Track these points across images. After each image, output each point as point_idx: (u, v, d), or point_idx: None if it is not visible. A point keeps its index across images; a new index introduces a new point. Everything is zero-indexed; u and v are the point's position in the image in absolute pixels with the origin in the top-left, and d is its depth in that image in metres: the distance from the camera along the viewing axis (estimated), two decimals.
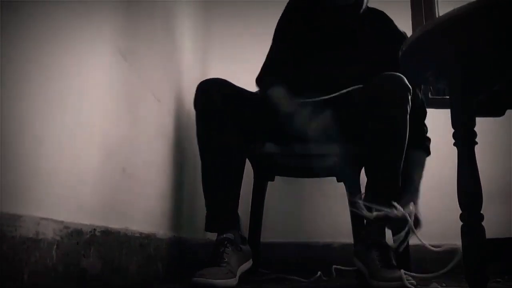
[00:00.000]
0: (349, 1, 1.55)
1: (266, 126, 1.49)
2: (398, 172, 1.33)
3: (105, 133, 1.03)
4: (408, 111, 1.32)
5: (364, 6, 1.58)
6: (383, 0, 2.15)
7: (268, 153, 1.55)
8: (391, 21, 1.64)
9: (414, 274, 1.20)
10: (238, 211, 1.42)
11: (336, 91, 1.46)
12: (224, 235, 1.32)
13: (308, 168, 1.69)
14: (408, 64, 1.07)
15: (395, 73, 1.32)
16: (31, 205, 0.74)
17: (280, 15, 1.67)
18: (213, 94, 1.37)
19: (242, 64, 2.03)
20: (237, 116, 1.39)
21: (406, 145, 1.33)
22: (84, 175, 0.93)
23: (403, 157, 1.34)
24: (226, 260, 1.26)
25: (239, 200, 1.43)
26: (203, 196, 1.41)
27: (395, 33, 1.60)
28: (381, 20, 1.63)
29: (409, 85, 1.31)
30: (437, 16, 2.14)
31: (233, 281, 1.25)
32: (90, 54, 0.96)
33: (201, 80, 1.43)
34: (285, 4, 1.67)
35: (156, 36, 1.42)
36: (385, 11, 1.67)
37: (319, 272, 1.50)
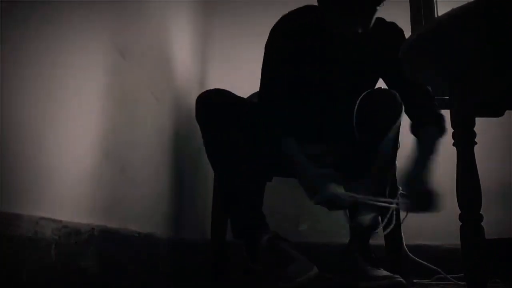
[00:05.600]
0: (357, 30, 1.38)
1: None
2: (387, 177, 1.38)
3: (103, 133, 1.03)
4: (399, 125, 1.36)
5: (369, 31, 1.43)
6: None
7: (266, 154, 1.54)
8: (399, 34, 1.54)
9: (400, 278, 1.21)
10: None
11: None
12: (272, 235, 1.30)
13: None
14: (407, 64, 1.07)
15: (387, 89, 1.37)
16: (30, 204, 0.74)
17: (280, 15, 1.64)
18: (215, 104, 1.33)
19: (241, 64, 2.03)
20: (239, 123, 1.35)
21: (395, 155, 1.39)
22: (83, 174, 0.93)
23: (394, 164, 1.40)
24: (295, 252, 1.26)
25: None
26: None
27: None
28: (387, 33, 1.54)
29: (400, 101, 1.33)
30: (436, 16, 2.14)
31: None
32: (89, 53, 0.96)
33: (200, 92, 1.37)
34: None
35: (155, 35, 1.42)
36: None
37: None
